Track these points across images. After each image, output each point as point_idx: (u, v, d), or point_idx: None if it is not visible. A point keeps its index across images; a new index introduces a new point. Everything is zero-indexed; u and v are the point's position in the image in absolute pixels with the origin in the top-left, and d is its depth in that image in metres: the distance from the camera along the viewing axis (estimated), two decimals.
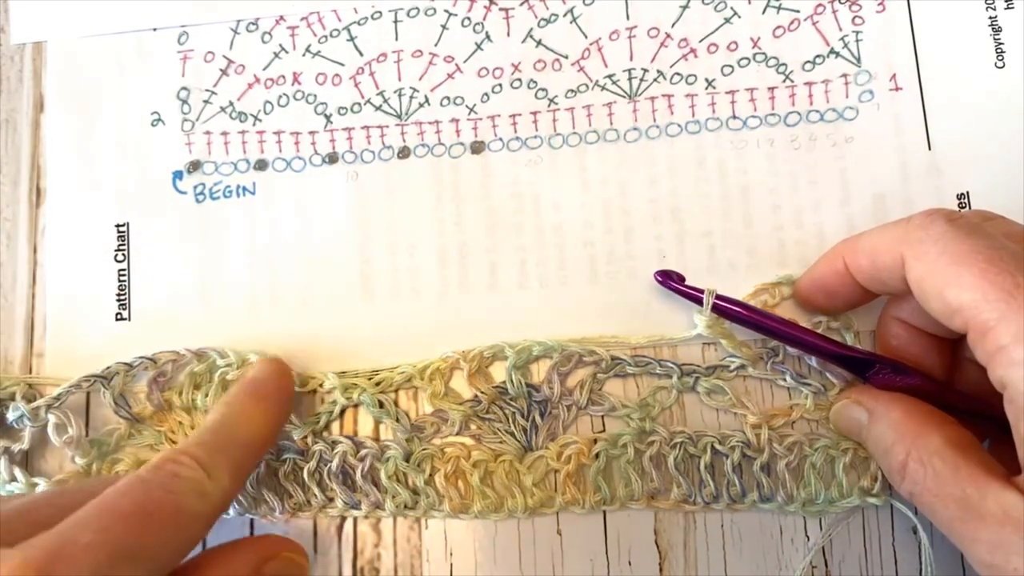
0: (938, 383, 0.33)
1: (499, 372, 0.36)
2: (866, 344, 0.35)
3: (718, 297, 0.34)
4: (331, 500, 0.36)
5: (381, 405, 0.36)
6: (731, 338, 0.35)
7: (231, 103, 0.39)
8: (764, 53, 0.37)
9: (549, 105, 0.38)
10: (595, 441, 0.35)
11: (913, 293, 0.29)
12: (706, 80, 0.38)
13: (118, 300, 0.38)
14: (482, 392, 0.36)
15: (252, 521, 0.36)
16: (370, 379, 0.36)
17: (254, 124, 0.39)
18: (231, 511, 0.36)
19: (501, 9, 0.39)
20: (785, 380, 0.35)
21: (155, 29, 0.40)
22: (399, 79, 0.39)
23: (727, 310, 0.34)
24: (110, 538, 0.26)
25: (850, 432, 0.34)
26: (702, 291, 0.34)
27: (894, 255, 0.30)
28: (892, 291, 0.31)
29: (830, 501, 0.34)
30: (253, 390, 0.34)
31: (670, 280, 0.35)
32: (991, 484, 0.27)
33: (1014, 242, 0.28)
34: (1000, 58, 0.36)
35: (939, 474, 0.29)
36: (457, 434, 0.36)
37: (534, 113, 0.38)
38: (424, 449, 0.36)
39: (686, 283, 0.35)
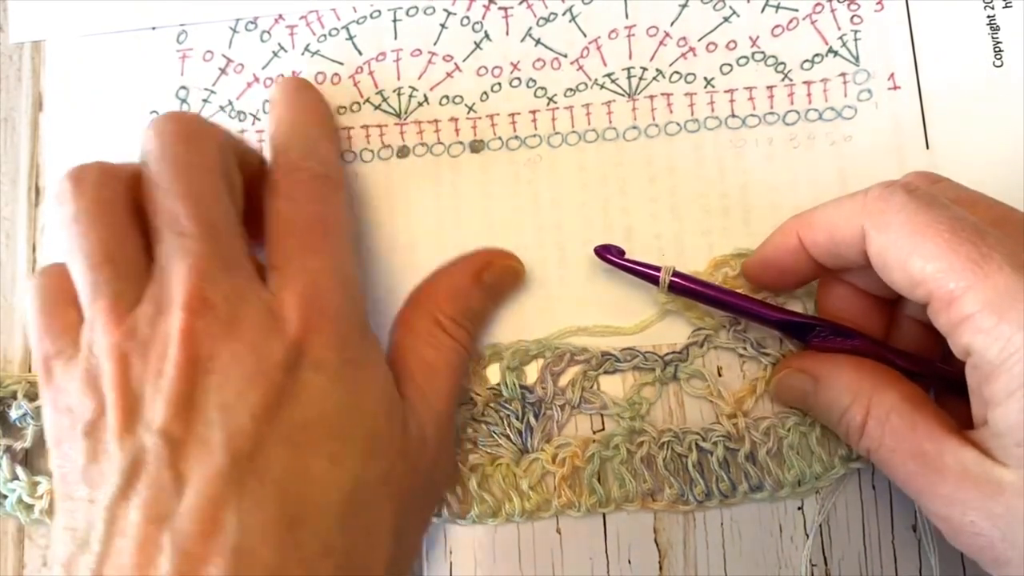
0: (879, 343, 0.33)
1: (495, 374, 0.36)
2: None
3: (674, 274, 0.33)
4: None
5: None
6: (693, 309, 0.35)
7: (230, 102, 0.39)
8: (763, 52, 0.37)
9: (548, 104, 0.38)
10: (589, 443, 0.35)
11: (873, 266, 0.29)
12: (705, 79, 0.38)
13: None
14: (477, 394, 0.36)
15: None
16: None
17: (253, 123, 0.39)
18: None
19: (500, 8, 0.39)
20: (746, 349, 0.35)
21: (154, 28, 0.40)
22: (398, 78, 0.39)
23: (678, 285, 0.33)
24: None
25: (794, 402, 0.34)
26: (658, 268, 0.33)
27: (853, 228, 0.29)
28: (849, 265, 0.31)
29: (816, 477, 0.34)
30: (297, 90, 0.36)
31: (609, 255, 0.34)
32: (949, 440, 0.28)
33: (965, 208, 0.28)
34: (998, 57, 0.36)
35: (896, 430, 0.29)
36: None
37: (533, 112, 0.38)
38: None
39: (639, 260, 0.34)
